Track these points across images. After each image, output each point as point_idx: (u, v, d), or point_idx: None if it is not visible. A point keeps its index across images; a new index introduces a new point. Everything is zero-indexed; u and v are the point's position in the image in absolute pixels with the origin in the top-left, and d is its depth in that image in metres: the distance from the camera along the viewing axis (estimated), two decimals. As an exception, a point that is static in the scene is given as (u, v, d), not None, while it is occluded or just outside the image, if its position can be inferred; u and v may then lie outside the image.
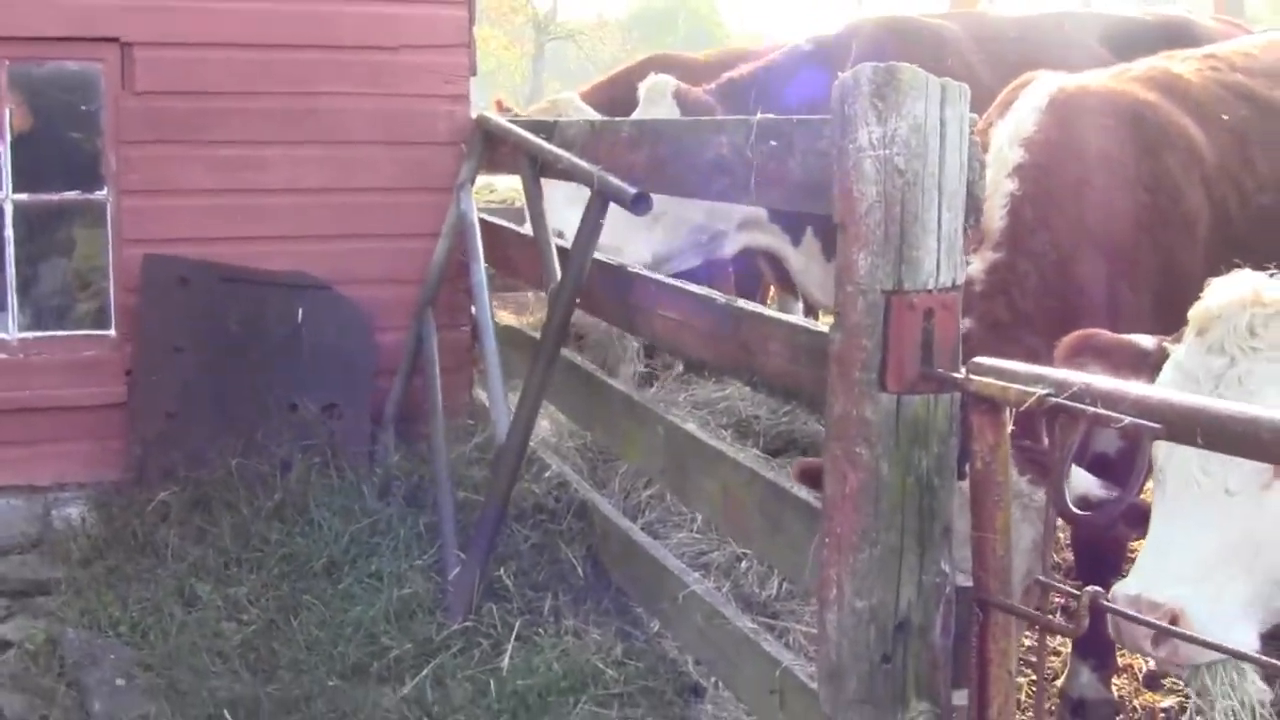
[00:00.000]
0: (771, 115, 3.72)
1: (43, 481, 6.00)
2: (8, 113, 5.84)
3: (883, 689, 2.99)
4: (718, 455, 4.16)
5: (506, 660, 4.61)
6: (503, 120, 5.93)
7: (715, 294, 4.16)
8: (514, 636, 4.72)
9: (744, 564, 5.18)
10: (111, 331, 6.13)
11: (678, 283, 4.43)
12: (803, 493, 3.71)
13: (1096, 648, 4.47)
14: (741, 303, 4.00)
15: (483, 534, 4.90)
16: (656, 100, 6.53)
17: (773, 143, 3.57)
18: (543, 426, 6.14)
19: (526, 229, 5.60)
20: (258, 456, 5.84)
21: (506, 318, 7.42)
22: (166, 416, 5.97)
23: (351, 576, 5.22)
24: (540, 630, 4.78)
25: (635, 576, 4.78)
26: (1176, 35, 6.83)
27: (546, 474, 5.55)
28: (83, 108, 6.00)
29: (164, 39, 5.95)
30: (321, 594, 5.15)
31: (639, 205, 4.38)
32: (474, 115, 6.23)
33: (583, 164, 4.77)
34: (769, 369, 3.75)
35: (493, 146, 5.94)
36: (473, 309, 5.75)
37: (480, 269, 5.50)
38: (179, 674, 4.75)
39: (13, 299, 5.97)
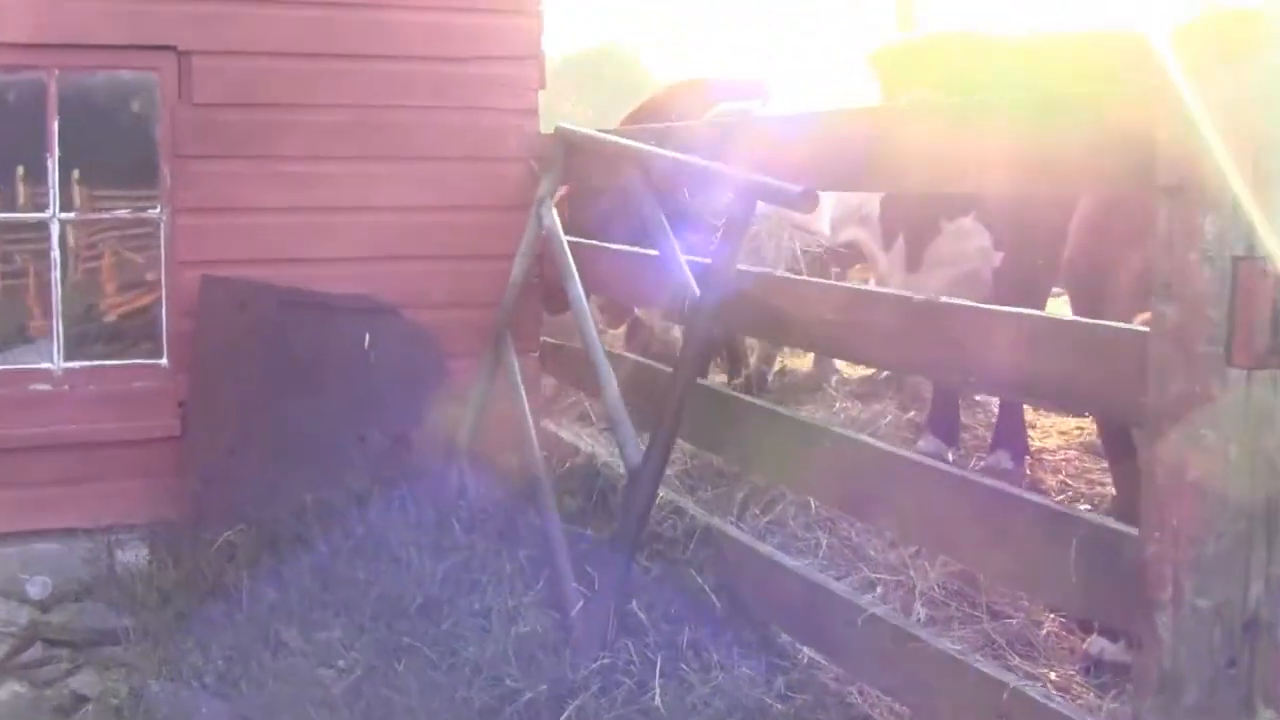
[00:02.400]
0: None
1: (91, 523, 5.51)
2: (56, 124, 5.39)
3: (1227, 696, 2.67)
4: (912, 466, 3.85)
5: (658, 697, 4.23)
6: (593, 131, 5.59)
7: (894, 291, 3.86)
8: (658, 673, 4.35)
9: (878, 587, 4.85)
10: (164, 360, 5.67)
11: (840, 284, 4.12)
12: (1034, 497, 3.43)
13: None
14: (939, 298, 3.70)
15: (615, 565, 4.52)
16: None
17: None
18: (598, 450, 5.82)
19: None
20: (329, 491, 5.43)
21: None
22: (227, 450, 5.52)
23: (453, 616, 4.80)
24: (683, 665, 4.40)
25: (784, 604, 4.41)
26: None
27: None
28: (136, 120, 5.58)
29: (224, 47, 5.54)
30: (423, 635, 4.71)
31: (804, 202, 4.06)
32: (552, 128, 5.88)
33: (720, 167, 4.45)
34: (993, 364, 3.45)
35: (576, 160, 5.60)
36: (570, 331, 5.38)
37: (578, 287, 5.14)
38: (282, 727, 4.33)
39: (58, 326, 5.49)
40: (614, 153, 5.16)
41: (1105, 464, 6.89)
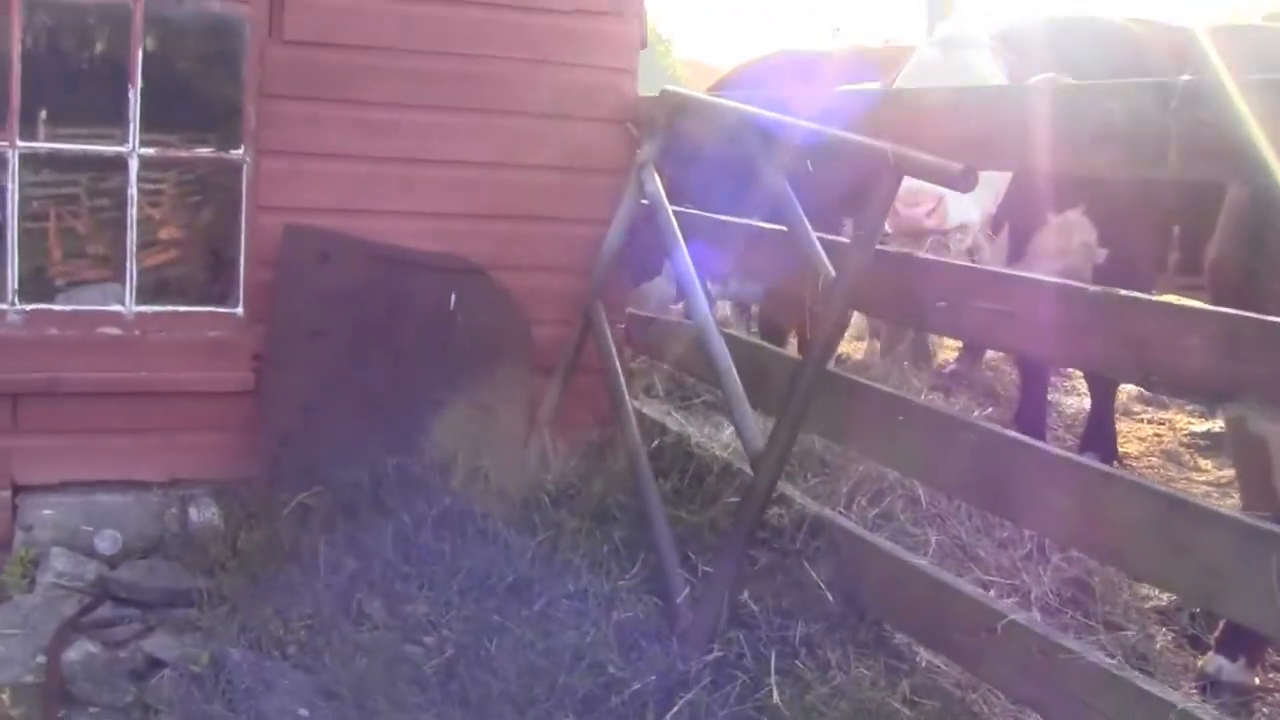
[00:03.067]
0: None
1: (157, 477, 5.25)
2: (140, 55, 5.10)
3: None
4: (1069, 464, 3.63)
5: (775, 695, 4.01)
6: (706, 95, 5.33)
7: (1069, 281, 3.63)
8: (773, 669, 4.13)
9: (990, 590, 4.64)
10: (240, 310, 5.39)
11: (996, 269, 3.90)
12: (1224, 510, 3.22)
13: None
14: (1119, 291, 3.49)
15: (731, 554, 4.29)
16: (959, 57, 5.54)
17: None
18: (726, 434, 5.57)
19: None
20: (410, 457, 5.19)
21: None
22: (304, 408, 5.26)
23: (545, 597, 4.57)
24: (798, 663, 4.19)
25: (908, 604, 4.19)
26: None
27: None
28: (223, 56, 5.29)
29: (318, -17, 5.27)
30: (515, 615, 4.48)
31: (964, 181, 3.83)
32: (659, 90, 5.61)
33: (862, 139, 4.21)
34: (1185, 367, 3.23)
35: (684, 125, 5.34)
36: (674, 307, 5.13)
37: (685, 256, 4.90)
38: (373, 704, 4.09)
39: (132, 266, 5.21)
40: (734, 120, 4.90)
41: (1188, 472, 6.76)
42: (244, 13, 5.23)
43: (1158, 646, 4.74)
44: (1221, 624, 4.74)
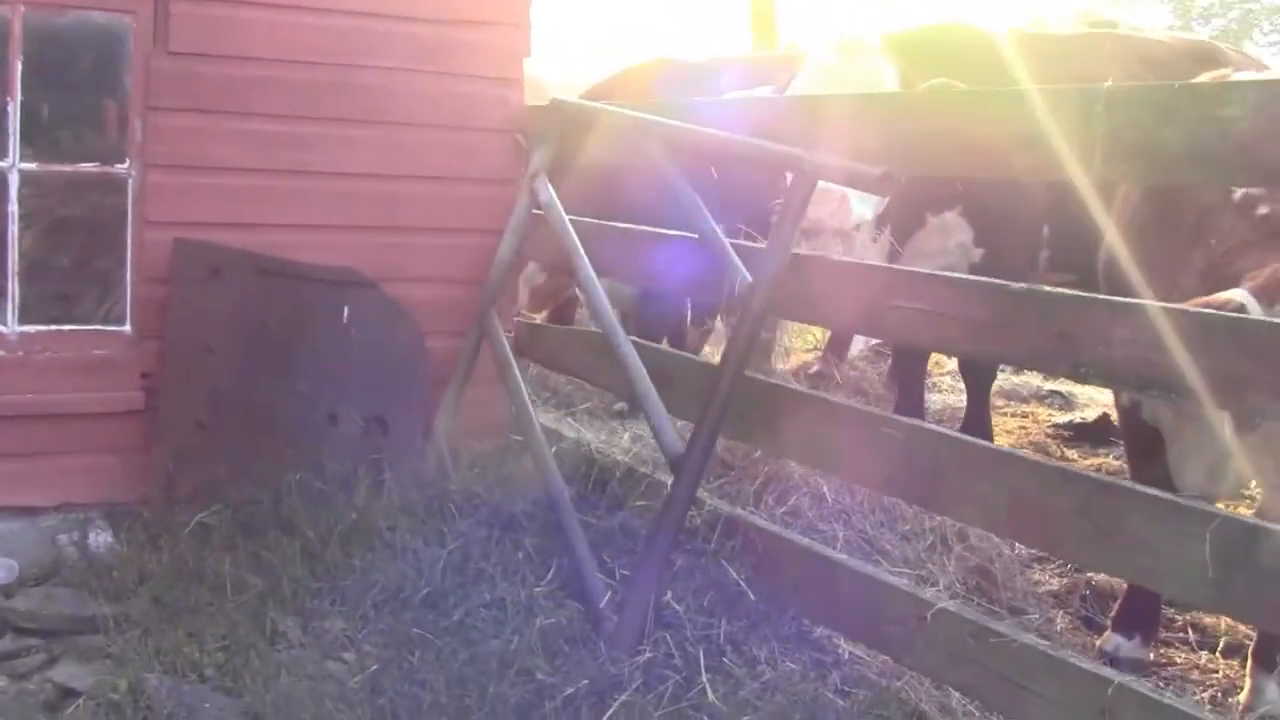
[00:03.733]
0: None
1: (45, 501, 5.10)
2: (19, 66, 4.95)
3: None
4: (999, 457, 3.76)
5: (710, 693, 4.05)
6: (600, 104, 5.35)
7: (989, 280, 3.75)
8: (702, 668, 4.17)
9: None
10: (127, 327, 5.26)
11: (920, 270, 4.00)
12: (1148, 490, 3.35)
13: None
14: (1045, 288, 3.61)
15: (654, 556, 4.32)
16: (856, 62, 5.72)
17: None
18: (624, 439, 5.61)
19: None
20: (308, 472, 5.11)
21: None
22: (196, 426, 5.16)
23: (463, 607, 4.55)
24: (725, 660, 4.23)
25: (831, 599, 4.27)
26: (1204, 59, 6.77)
27: (656, 489, 4.99)
28: (107, 68, 5.15)
29: (204, -7, 5.17)
30: (433, 627, 4.45)
31: (884, 185, 3.92)
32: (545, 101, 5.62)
33: (771, 145, 4.28)
34: (1112, 359, 3.36)
35: (576, 134, 5.36)
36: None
37: (588, 267, 4.92)
38: (301, 724, 4.03)
39: (14, 286, 5.04)
40: (632, 126, 4.93)
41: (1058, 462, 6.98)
42: (128, 24, 5.11)
43: (1058, 628, 4.91)
44: (1117, 605, 4.94)
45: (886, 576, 4.20)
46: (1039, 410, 8.08)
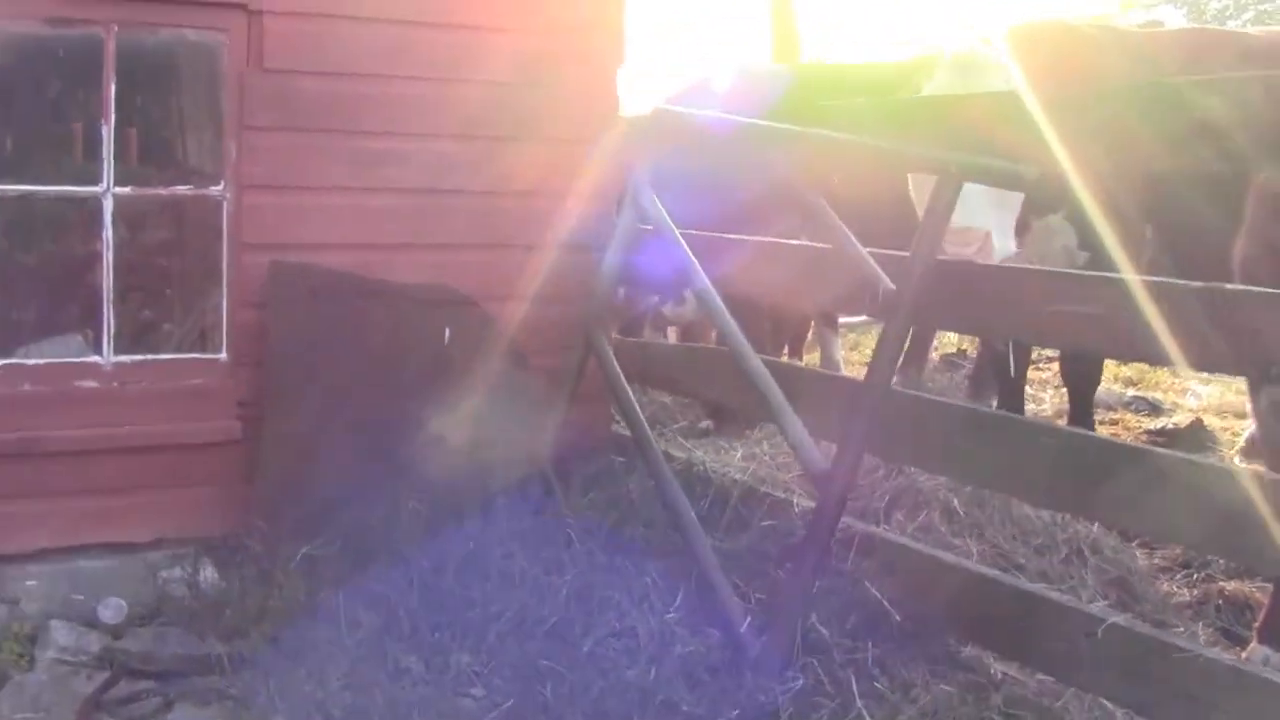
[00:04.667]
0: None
1: (144, 536, 4.93)
2: (113, 89, 4.78)
3: None
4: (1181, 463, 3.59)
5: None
6: (710, 112, 5.18)
7: (1167, 279, 3.58)
8: (855, 693, 3.99)
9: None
10: (223, 355, 5.09)
11: (1075, 271, 3.84)
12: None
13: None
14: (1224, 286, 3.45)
15: (801, 575, 4.14)
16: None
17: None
18: (737, 458, 5.44)
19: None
20: (419, 498, 4.94)
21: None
22: (301, 454, 4.98)
23: (592, 637, 4.37)
24: (877, 685, 4.05)
25: (987, 618, 4.09)
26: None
27: (781, 508, 4.82)
28: (201, 87, 4.99)
29: (298, 8, 4.98)
30: (563, 659, 4.27)
31: (1036, 186, 3.77)
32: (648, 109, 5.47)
33: (913, 148, 4.13)
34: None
35: (679, 144, 5.20)
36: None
37: (705, 280, 4.74)
38: (441, 764, 3.86)
39: (109, 314, 4.86)
40: (756, 134, 4.76)
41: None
42: (221, 40, 4.95)
43: (1202, 639, 4.73)
44: (1262, 614, 4.76)
45: (1045, 592, 4.02)
46: (1127, 417, 7.91)
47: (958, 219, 4.43)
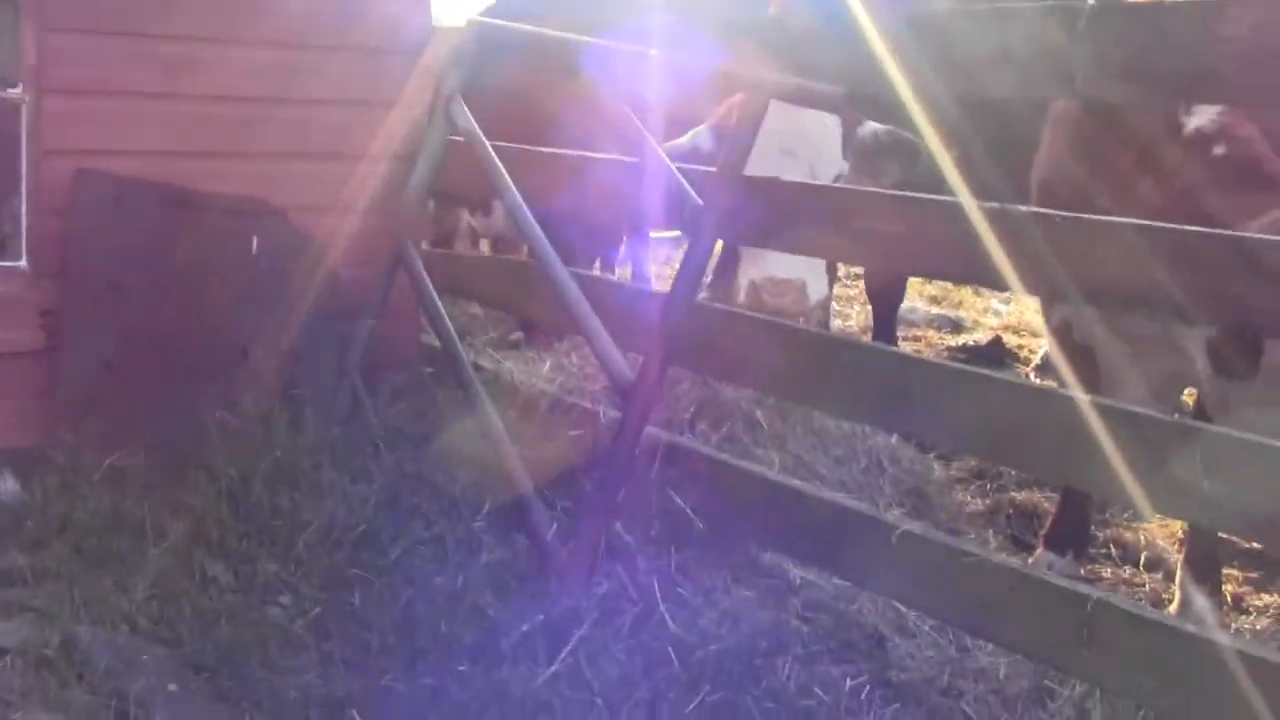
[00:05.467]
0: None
1: (-58, 449, 4.83)
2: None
3: None
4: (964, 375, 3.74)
5: (670, 623, 3.98)
6: (522, 25, 5.16)
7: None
8: (658, 598, 4.10)
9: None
10: (23, 262, 4.98)
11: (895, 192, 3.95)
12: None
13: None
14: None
15: (606, 484, 4.23)
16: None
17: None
18: (545, 369, 5.50)
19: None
20: (226, 410, 4.91)
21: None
22: (103, 365, 4.91)
23: (400, 545, 4.42)
24: (679, 590, 4.17)
25: (788, 526, 4.21)
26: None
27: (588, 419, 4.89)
28: (-5, -15, 4.85)
29: (99, -102, 4.86)
30: (371, 567, 4.33)
31: (846, 104, 3.87)
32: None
33: (726, 63, 4.18)
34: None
35: (494, 57, 5.19)
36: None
37: (515, 195, 4.76)
38: (247, 672, 3.86)
39: (-99, 221, 4.76)
40: (563, 47, 4.78)
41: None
42: (20, -66, 4.81)
43: (992, 547, 4.95)
44: (1049, 523, 5.00)
45: (845, 501, 4.15)
46: (930, 334, 8.16)
47: (775, 270, 4.57)
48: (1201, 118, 4.04)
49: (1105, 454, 3.30)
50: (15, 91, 4.88)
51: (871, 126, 5.60)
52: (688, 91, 4.61)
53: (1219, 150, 3.99)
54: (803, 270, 5.16)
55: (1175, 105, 4.06)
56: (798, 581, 4.32)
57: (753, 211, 4.11)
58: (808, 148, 5.38)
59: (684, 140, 5.53)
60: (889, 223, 3.77)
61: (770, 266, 5.12)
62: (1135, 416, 3.28)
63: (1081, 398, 3.49)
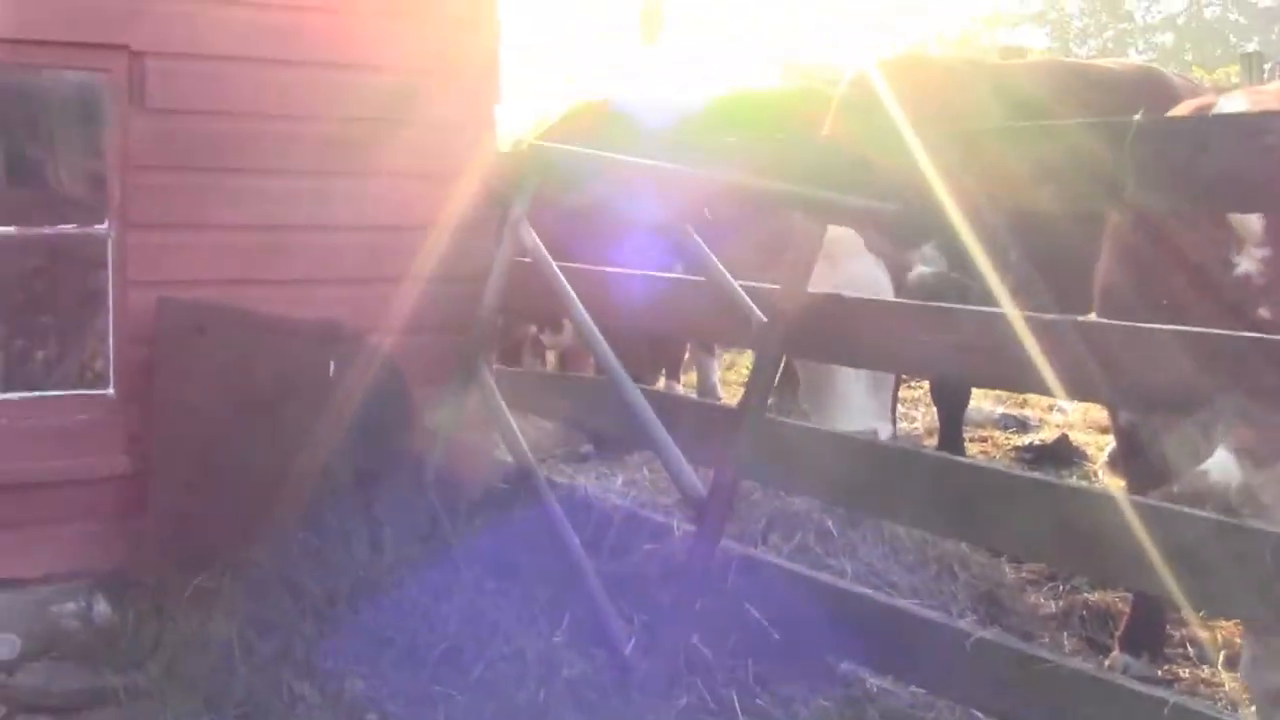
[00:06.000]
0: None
1: (33, 572, 4.96)
2: (-7, 130, 4.85)
3: None
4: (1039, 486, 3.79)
5: (745, 737, 4.04)
6: (581, 149, 5.33)
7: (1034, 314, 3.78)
8: (738, 710, 4.16)
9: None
10: (110, 390, 5.15)
11: (937, 305, 4.04)
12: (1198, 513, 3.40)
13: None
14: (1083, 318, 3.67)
15: (684, 597, 4.31)
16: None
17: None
18: (618, 483, 5.59)
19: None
20: (309, 530, 5.03)
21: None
22: (187, 488, 5.05)
23: (482, 661, 4.50)
24: (759, 702, 4.22)
25: (861, 634, 4.27)
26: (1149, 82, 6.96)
27: (663, 532, 4.97)
28: (85, 127, 5.05)
29: (180, 49, 5.07)
30: (455, 684, 4.40)
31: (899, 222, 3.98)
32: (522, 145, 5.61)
33: (780, 184, 4.31)
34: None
35: (555, 178, 5.35)
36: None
37: (583, 312, 4.89)
38: (333, 790, 3.96)
39: (-5, 353, 4.94)
40: (624, 171, 4.92)
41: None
42: (104, 81, 5.01)
43: (1067, 650, 4.96)
44: (1123, 624, 5.02)
45: (916, 609, 4.21)
46: (996, 434, 8.20)
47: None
48: (1251, 261, 4.09)
49: (1174, 558, 3.37)
50: (102, 228, 5.07)
51: (919, 270, 5.75)
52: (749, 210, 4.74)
53: (1263, 313, 4.04)
54: (871, 419, 5.29)
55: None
56: (875, 690, 4.35)
57: (817, 327, 4.22)
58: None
59: None
60: (949, 334, 3.87)
61: (838, 420, 5.23)
62: (1200, 519, 3.35)
63: (1150, 503, 3.56)
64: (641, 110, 7.59)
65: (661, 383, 8.38)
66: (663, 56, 19.35)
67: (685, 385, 9.14)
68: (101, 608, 4.87)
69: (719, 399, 8.40)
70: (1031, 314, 3.74)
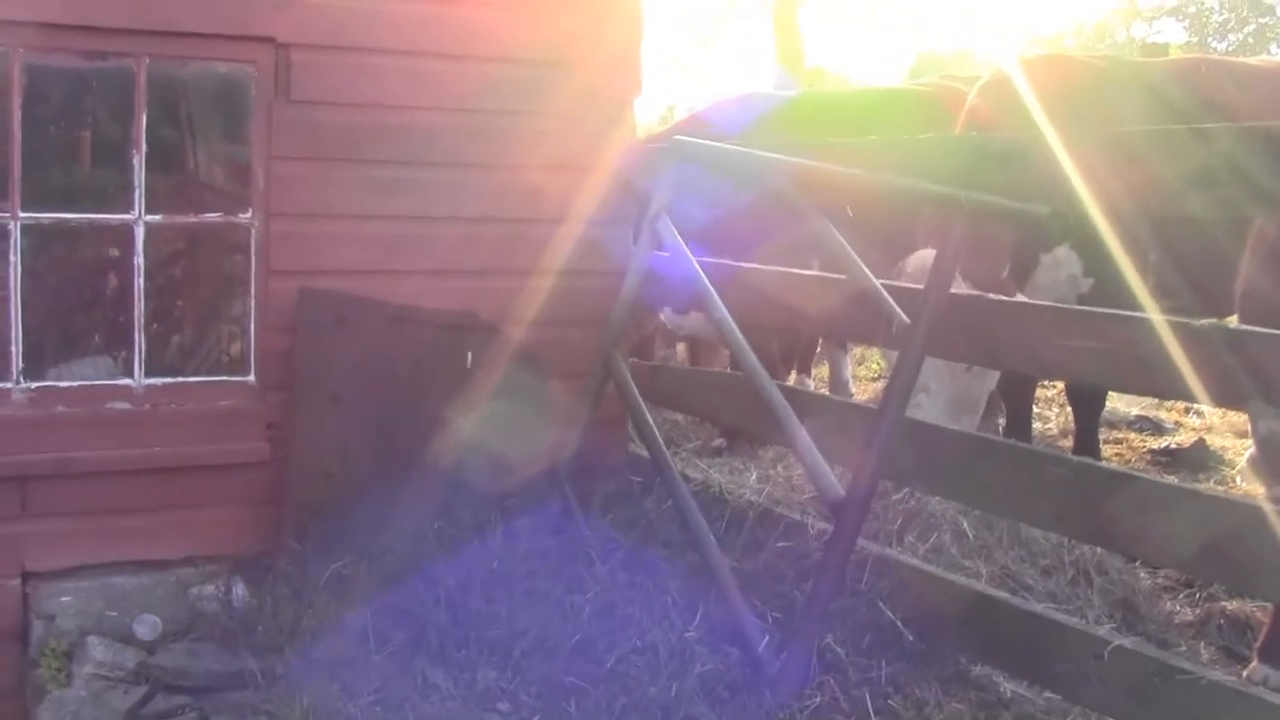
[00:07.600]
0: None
1: (173, 555, 5.07)
2: (144, 120, 4.92)
3: None
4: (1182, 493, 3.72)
5: (886, 740, 4.01)
6: (721, 144, 5.30)
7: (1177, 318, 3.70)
8: (870, 711, 4.13)
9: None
10: (251, 378, 5.23)
11: (1076, 307, 3.97)
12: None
13: None
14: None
15: (820, 597, 4.27)
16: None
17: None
18: (752, 479, 5.57)
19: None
20: (443, 519, 5.08)
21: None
22: (326, 476, 5.12)
23: (614, 654, 4.50)
24: (891, 703, 4.19)
25: (997, 638, 4.23)
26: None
27: (797, 530, 4.95)
28: (230, 117, 5.13)
29: (325, 41, 5.13)
30: (587, 675, 4.41)
31: (1051, 223, 3.91)
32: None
33: (925, 184, 4.25)
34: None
35: (694, 171, 5.33)
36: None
37: (722, 309, 4.87)
38: (470, 779, 3.98)
39: (140, 338, 5.01)
40: (764, 167, 4.89)
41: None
42: (250, 73, 5.09)
43: (1204, 659, 4.86)
44: (1263, 633, 4.89)
45: (1054, 614, 4.15)
46: (1131, 436, 8.05)
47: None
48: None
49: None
50: (245, 216, 5.15)
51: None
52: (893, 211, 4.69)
53: None
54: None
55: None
56: (1008, 695, 4.31)
57: (956, 328, 4.17)
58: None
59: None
60: (1090, 340, 3.80)
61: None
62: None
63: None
64: (782, 106, 7.56)
65: (793, 377, 8.36)
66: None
67: (816, 379, 9.11)
68: (240, 591, 4.95)
69: (851, 395, 8.36)
70: (1177, 319, 3.67)
